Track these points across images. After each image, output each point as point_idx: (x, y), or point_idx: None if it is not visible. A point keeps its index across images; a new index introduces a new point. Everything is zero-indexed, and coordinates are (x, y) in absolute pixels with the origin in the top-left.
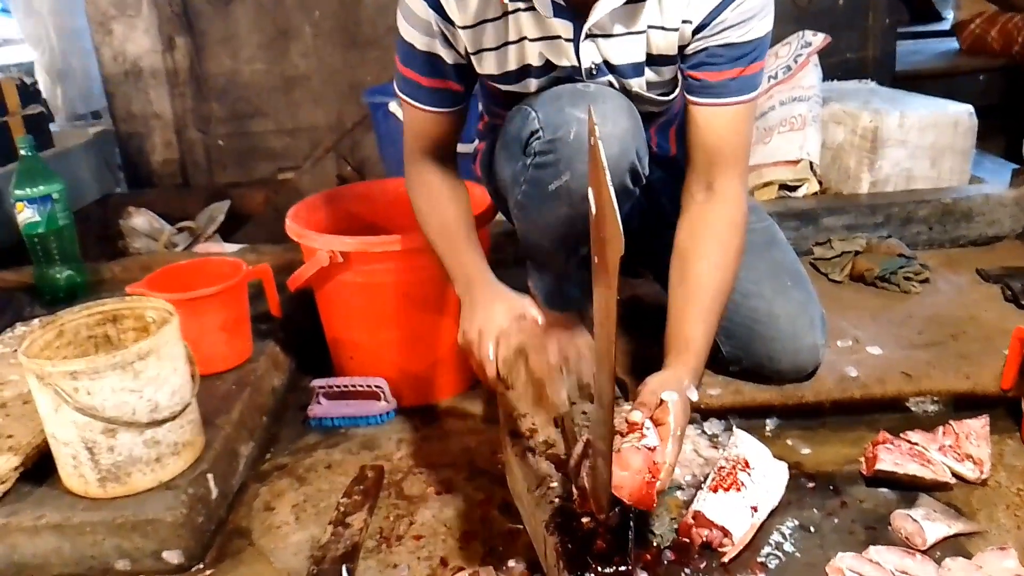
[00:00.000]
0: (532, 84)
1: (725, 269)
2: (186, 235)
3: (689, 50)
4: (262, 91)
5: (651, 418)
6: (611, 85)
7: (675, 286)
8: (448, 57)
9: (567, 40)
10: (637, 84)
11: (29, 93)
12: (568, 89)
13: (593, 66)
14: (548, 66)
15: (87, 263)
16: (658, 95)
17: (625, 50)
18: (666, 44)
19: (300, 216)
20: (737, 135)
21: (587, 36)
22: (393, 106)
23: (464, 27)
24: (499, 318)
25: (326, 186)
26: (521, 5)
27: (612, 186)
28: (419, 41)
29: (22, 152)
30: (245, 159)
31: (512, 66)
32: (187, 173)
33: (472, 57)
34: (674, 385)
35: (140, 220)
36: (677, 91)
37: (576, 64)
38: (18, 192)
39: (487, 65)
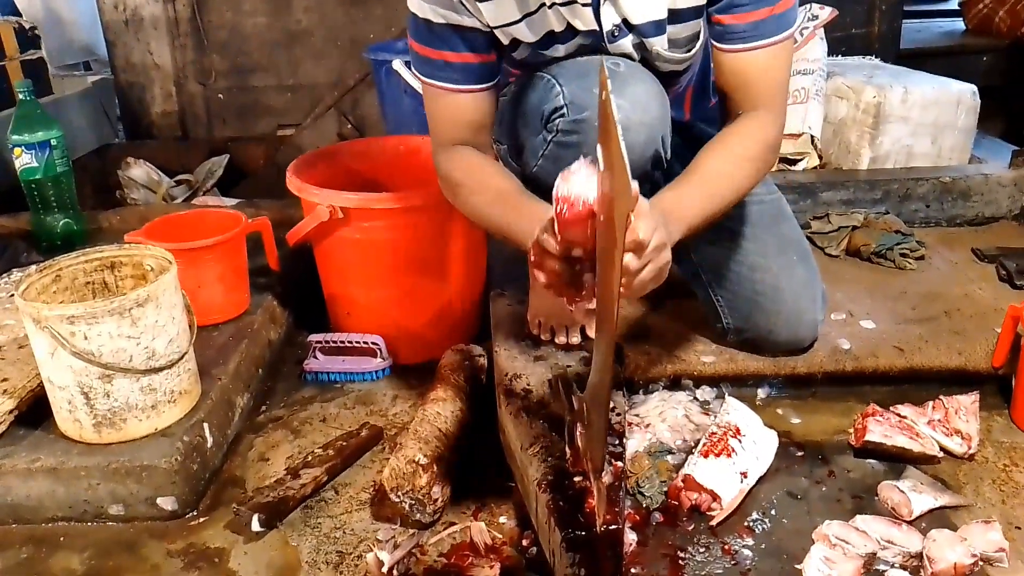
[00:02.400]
0: (560, 50)
1: (734, 163)
2: (184, 188)
3: None
4: (263, 45)
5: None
6: (633, 47)
7: (687, 169)
8: (473, 25)
9: (584, 4)
10: (659, 43)
11: (28, 38)
12: (596, 65)
13: (614, 27)
14: (570, 30)
15: (84, 212)
16: (680, 53)
17: (645, 8)
18: None
19: (301, 171)
20: (771, 75)
21: None
22: (396, 64)
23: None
24: None
25: (326, 143)
26: None
27: (624, 143)
28: (439, 15)
29: (20, 97)
30: (245, 114)
31: (536, 36)
32: (186, 126)
33: (496, 31)
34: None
35: (138, 171)
36: (698, 46)
37: (597, 28)
38: (15, 137)
39: (511, 36)
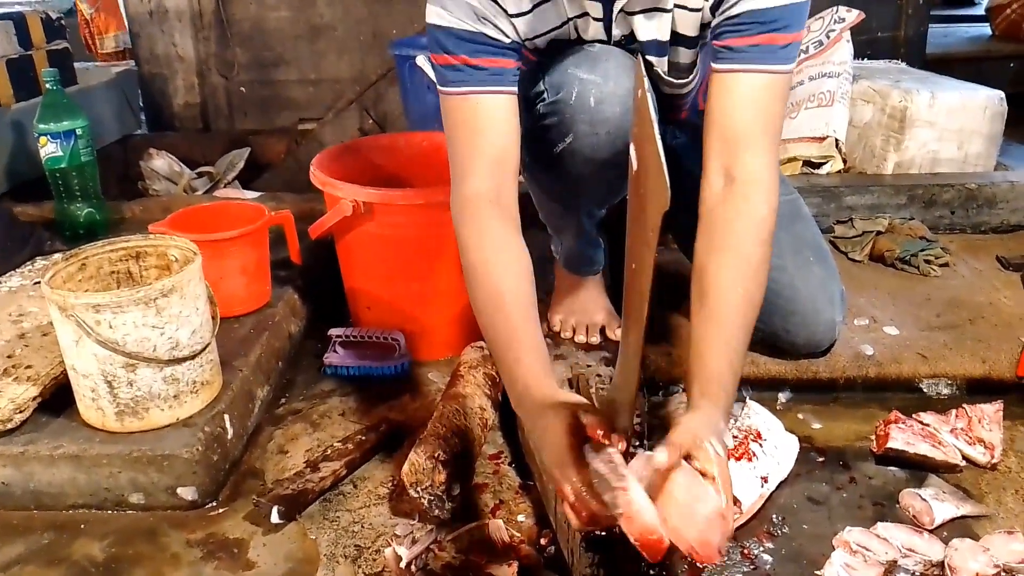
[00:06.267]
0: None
1: (748, 282)
2: (205, 180)
3: (714, 24)
4: (286, 39)
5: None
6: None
7: (695, 307)
8: (499, 35)
9: (596, 19)
10: (658, 64)
11: (54, 28)
12: (575, 50)
13: (622, 37)
14: (579, 41)
15: (107, 201)
16: (676, 79)
17: (651, 28)
18: (689, 24)
19: (324, 165)
20: (760, 109)
21: (619, 12)
22: (420, 59)
23: (518, 14)
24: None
25: (347, 138)
26: None
27: (659, 139)
28: (465, 24)
29: (47, 86)
30: (267, 107)
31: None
32: (208, 118)
33: (526, 42)
34: (710, 430)
35: (160, 162)
36: (693, 75)
37: (605, 39)
38: (41, 126)
39: (538, 45)
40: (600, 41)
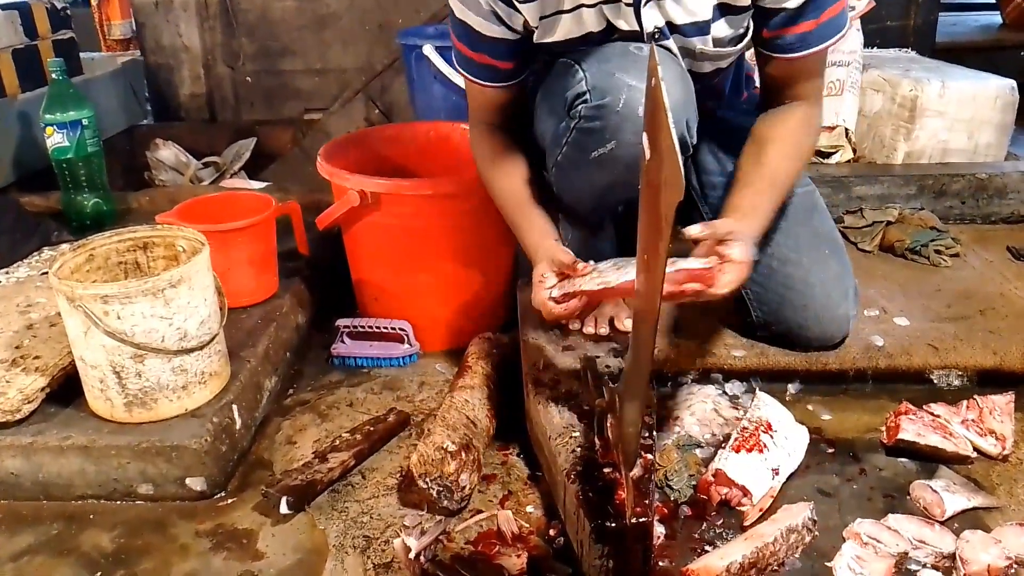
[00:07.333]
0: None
1: (796, 160)
2: (211, 170)
3: (768, 2)
4: (292, 29)
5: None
6: (679, 49)
7: (749, 165)
8: (502, 35)
9: (628, 4)
10: (701, 42)
11: (60, 18)
12: (619, 50)
13: (656, 30)
14: (610, 29)
15: (113, 192)
16: (724, 49)
17: (690, 8)
18: None
19: (331, 155)
20: (814, 72)
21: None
22: (427, 49)
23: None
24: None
25: (354, 128)
26: None
27: (673, 128)
28: (473, 21)
29: (53, 76)
30: (273, 97)
31: (575, 34)
32: (214, 108)
33: (536, 29)
34: (746, 230)
35: (167, 153)
36: (744, 43)
37: (637, 29)
38: (48, 116)
39: (548, 33)
40: (633, 33)
